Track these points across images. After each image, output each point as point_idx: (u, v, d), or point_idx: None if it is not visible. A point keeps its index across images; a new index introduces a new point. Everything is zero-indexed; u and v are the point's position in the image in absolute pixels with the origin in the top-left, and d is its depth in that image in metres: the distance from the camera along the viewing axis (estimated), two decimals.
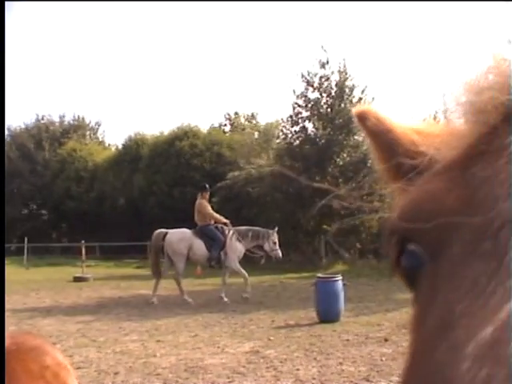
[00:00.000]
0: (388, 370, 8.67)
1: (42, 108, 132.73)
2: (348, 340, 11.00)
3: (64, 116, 61.62)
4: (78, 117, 62.33)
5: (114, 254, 38.38)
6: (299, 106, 31.91)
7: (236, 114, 53.17)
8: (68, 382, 2.69)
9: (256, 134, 41.33)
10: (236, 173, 33.44)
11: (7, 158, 46.90)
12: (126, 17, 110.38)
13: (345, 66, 31.26)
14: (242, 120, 51.71)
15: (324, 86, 31.27)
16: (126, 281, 24.03)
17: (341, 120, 30.63)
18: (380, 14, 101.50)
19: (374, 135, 1.06)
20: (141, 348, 10.89)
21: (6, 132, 53.08)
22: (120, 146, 51.87)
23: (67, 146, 52.49)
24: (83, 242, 29.19)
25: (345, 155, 30.68)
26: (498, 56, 0.80)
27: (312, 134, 31.32)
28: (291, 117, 32.25)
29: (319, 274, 15.30)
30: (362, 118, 1.08)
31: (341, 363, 9.28)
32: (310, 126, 31.71)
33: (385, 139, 1.03)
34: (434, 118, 1.32)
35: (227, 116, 53.47)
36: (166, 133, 46.33)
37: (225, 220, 17.98)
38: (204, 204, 17.88)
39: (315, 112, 31.29)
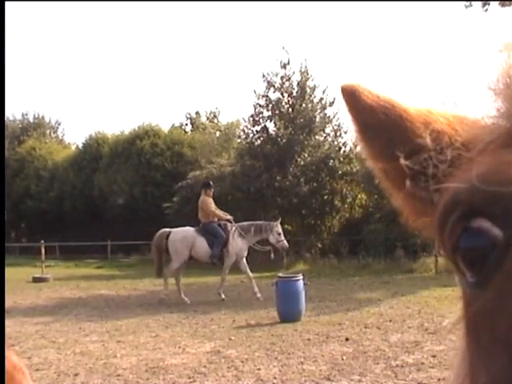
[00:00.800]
0: (349, 369, 8.71)
1: None
2: (309, 339, 11.03)
3: (27, 114, 61.19)
4: (38, 115, 61.84)
5: (74, 253, 37.98)
6: (260, 106, 31.97)
7: (197, 113, 53.04)
8: None
9: (217, 134, 41.30)
10: (197, 172, 33.38)
11: None
12: (85, 14, 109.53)
13: (306, 67, 31.41)
14: (204, 119, 51.59)
15: (285, 86, 31.36)
16: (86, 281, 23.82)
17: (302, 120, 30.76)
18: (340, 13, 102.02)
19: (371, 113, 0.88)
20: (101, 349, 10.81)
21: None
22: (80, 145, 51.44)
23: (26, 145, 52.04)
24: (43, 241, 28.82)
25: (306, 155, 30.78)
26: None
27: (273, 133, 31.36)
28: (252, 116, 32.29)
29: (280, 274, 15.32)
30: (353, 92, 0.90)
31: (302, 362, 9.30)
32: (271, 125, 31.80)
33: (388, 117, 0.87)
34: None
35: (188, 115, 53.32)
36: (126, 132, 46.14)
37: (228, 217, 17.79)
38: (207, 201, 17.65)
39: (276, 112, 31.36)
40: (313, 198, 29.95)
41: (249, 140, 32.53)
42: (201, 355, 10.03)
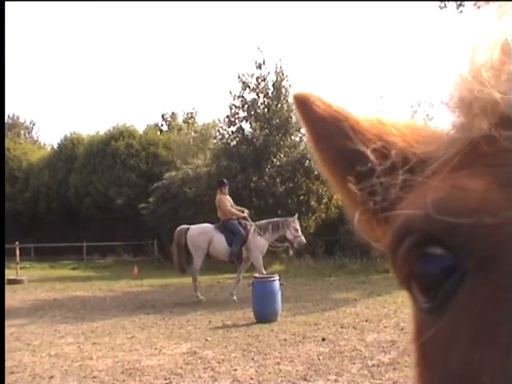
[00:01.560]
0: (325, 369, 8.73)
1: None
2: (285, 339, 11.04)
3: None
4: (13, 115, 61.43)
5: (50, 255, 37.78)
6: (236, 106, 31.94)
7: (173, 114, 52.87)
8: None
9: (193, 134, 41.24)
10: (173, 173, 33.40)
11: None
12: (59, 13, 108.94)
13: (281, 67, 31.42)
14: (180, 120, 51.45)
15: (261, 87, 31.35)
16: (62, 282, 23.68)
17: (278, 120, 30.78)
18: (314, 13, 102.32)
19: (322, 124, 0.86)
20: (77, 351, 10.75)
21: None
22: (55, 146, 51.14)
23: None
24: (17, 243, 28.56)
25: (282, 155, 30.78)
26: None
27: (249, 134, 31.34)
28: (228, 117, 32.25)
29: (256, 274, 15.32)
30: (305, 101, 0.89)
31: (278, 363, 9.30)
32: (246, 126, 31.76)
33: (339, 129, 0.84)
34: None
35: (167, 115, 53.11)
36: (101, 132, 45.92)
37: (243, 214, 17.53)
38: (223, 200, 17.42)
39: (252, 112, 31.35)
40: (289, 199, 29.95)
41: (224, 141, 32.48)
42: (177, 356, 10.01)
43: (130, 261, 33.31)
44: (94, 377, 8.87)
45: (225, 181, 18.19)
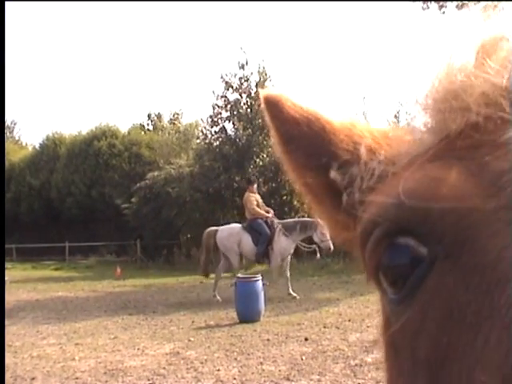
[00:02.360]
0: (308, 369, 8.74)
1: None
2: (268, 340, 11.05)
3: None
4: None
5: (31, 255, 37.62)
6: (219, 106, 31.91)
7: (159, 114, 52.61)
8: None
9: (176, 134, 41.19)
10: (155, 173, 33.35)
11: None
12: (39, 12, 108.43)
13: (264, 67, 31.43)
14: (166, 121, 51.19)
15: (244, 87, 31.34)
16: (44, 283, 23.56)
17: (260, 120, 30.73)
18: (299, 14, 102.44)
19: (293, 125, 0.86)
20: (59, 352, 10.70)
21: None
22: (37, 146, 50.89)
23: None
24: None
25: (265, 155, 30.78)
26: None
27: (232, 134, 31.34)
28: (211, 117, 32.21)
29: (239, 274, 15.34)
30: (275, 103, 0.89)
31: (261, 363, 9.31)
32: (229, 126, 31.74)
33: (311, 129, 0.85)
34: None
35: (151, 116, 52.87)
36: (84, 132, 45.74)
37: (267, 214, 17.37)
38: (249, 198, 17.36)
39: (235, 113, 31.34)
40: (272, 199, 29.90)
41: (207, 141, 32.43)
42: (160, 357, 9.99)
43: (113, 261, 33.18)
44: (77, 378, 8.84)
45: (251, 179, 18.43)
